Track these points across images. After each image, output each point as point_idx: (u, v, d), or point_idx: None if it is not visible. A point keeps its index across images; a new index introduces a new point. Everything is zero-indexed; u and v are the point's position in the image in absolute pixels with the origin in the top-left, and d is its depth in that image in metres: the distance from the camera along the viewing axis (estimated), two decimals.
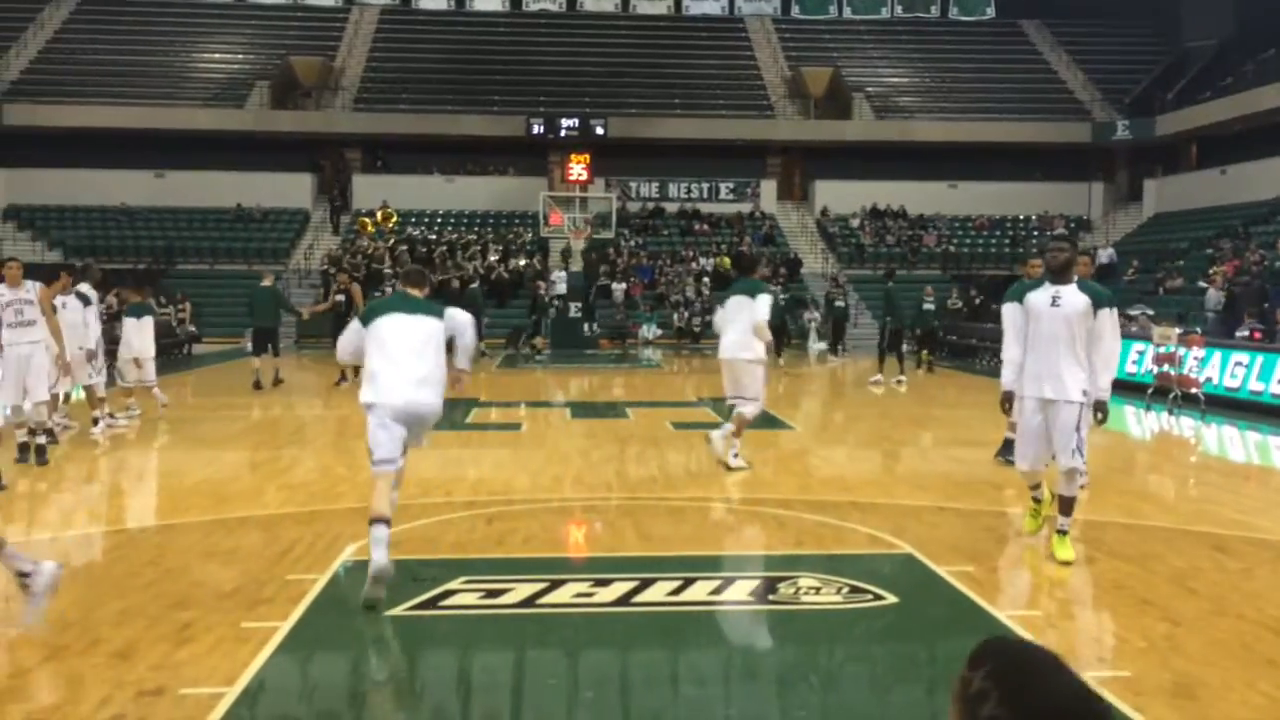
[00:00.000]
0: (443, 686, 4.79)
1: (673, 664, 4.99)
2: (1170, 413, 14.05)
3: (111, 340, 14.01)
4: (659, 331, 30.40)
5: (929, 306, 21.26)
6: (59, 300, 10.96)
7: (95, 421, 11.70)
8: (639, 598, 5.73)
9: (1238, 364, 15.30)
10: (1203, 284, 25.46)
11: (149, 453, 11.20)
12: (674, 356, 26.07)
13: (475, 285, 27.40)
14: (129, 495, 9.21)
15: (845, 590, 5.88)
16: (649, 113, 37.75)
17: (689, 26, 43.84)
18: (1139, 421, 14.04)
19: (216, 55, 40.22)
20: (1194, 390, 14.28)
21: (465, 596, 5.75)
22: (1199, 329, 18.60)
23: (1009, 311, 6.77)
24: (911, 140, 37.51)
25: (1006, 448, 9.43)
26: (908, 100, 40.06)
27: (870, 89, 39.52)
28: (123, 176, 34.98)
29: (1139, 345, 16.90)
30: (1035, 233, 35.41)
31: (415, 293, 6.27)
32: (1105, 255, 31.76)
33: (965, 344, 25.68)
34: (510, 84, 38.54)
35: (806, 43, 42.42)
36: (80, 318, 11.54)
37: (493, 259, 32.54)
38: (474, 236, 34.32)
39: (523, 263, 32.71)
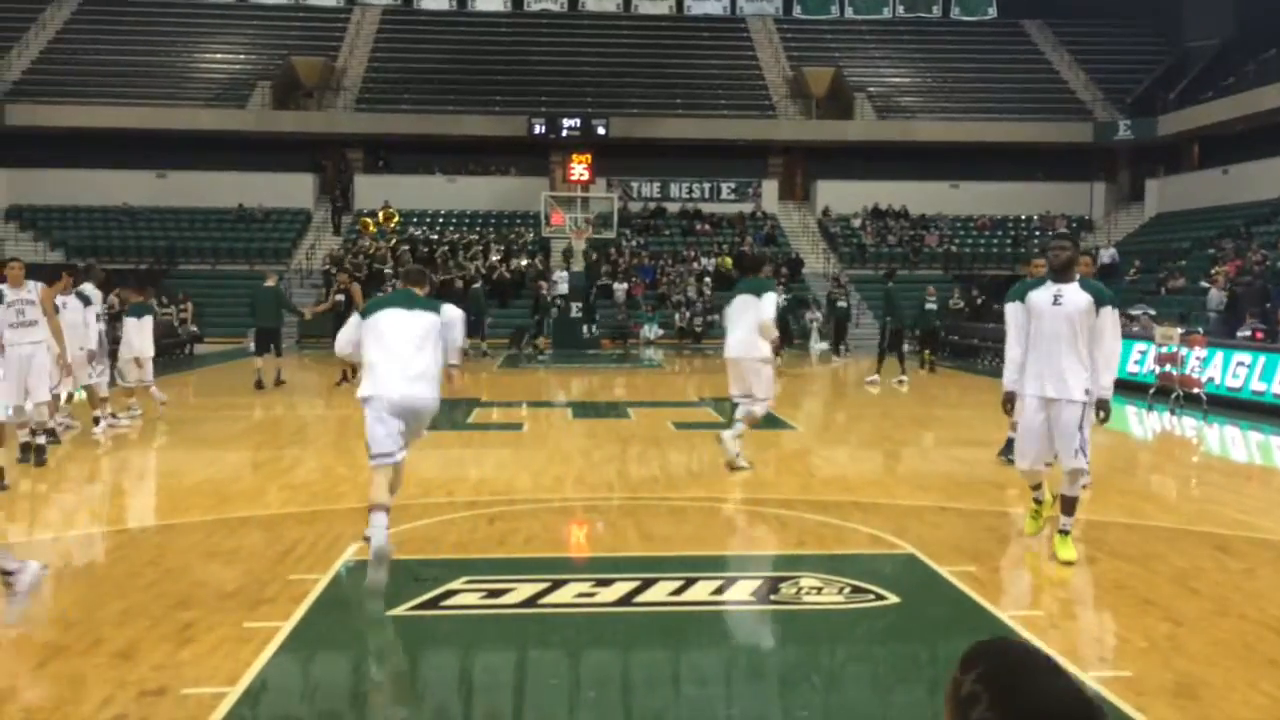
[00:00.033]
0: (444, 686, 4.79)
1: (674, 664, 4.98)
2: (1172, 413, 14.04)
3: (114, 340, 14.03)
4: (660, 331, 30.41)
5: (931, 306, 21.25)
6: (59, 300, 10.97)
7: (96, 421, 11.71)
8: (641, 598, 5.73)
9: (1240, 364, 15.28)
10: (1205, 284, 25.43)
11: (151, 453, 11.20)
12: (675, 356, 26.07)
13: (478, 285, 27.41)
14: (131, 495, 9.21)
15: (847, 590, 5.87)
16: (650, 113, 37.75)
17: (690, 26, 43.84)
18: (1141, 422, 14.03)
19: (218, 55, 40.24)
20: (1196, 390, 14.28)
21: (467, 596, 5.75)
22: (1201, 329, 18.57)
23: (1011, 311, 6.76)
24: (913, 140, 37.50)
25: (1009, 447, 9.43)
26: (909, 100, 40.05)
27: (872, 89, 39.51)
28: (125, 177, 35.01)
29: (1141, 345, 16.89)
30: (1037, 233, 35.39)
31: (415, 290, 6.44)
32: (1107, 255, 31.74)
33: (967, 344, 25.67)
34: (512, 84, 38.55)
35: (808, 43, 42.42)
36: (80, 318, 11.55)
37: (494, 259, 32.55)
38: (476, 236, 34.33)
39: (524, 263, 32.72)
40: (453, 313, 6.36)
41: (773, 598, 5.83)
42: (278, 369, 17.08)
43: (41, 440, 9.87)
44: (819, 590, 5.87)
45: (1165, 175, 37.03)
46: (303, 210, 36.34)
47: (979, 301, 29.07)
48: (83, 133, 34.48)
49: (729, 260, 33.35)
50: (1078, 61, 41.44)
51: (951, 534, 7.25)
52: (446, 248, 32.73)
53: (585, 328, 28.57)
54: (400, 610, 5.51)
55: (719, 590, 6.00)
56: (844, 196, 37.54)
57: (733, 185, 37.83)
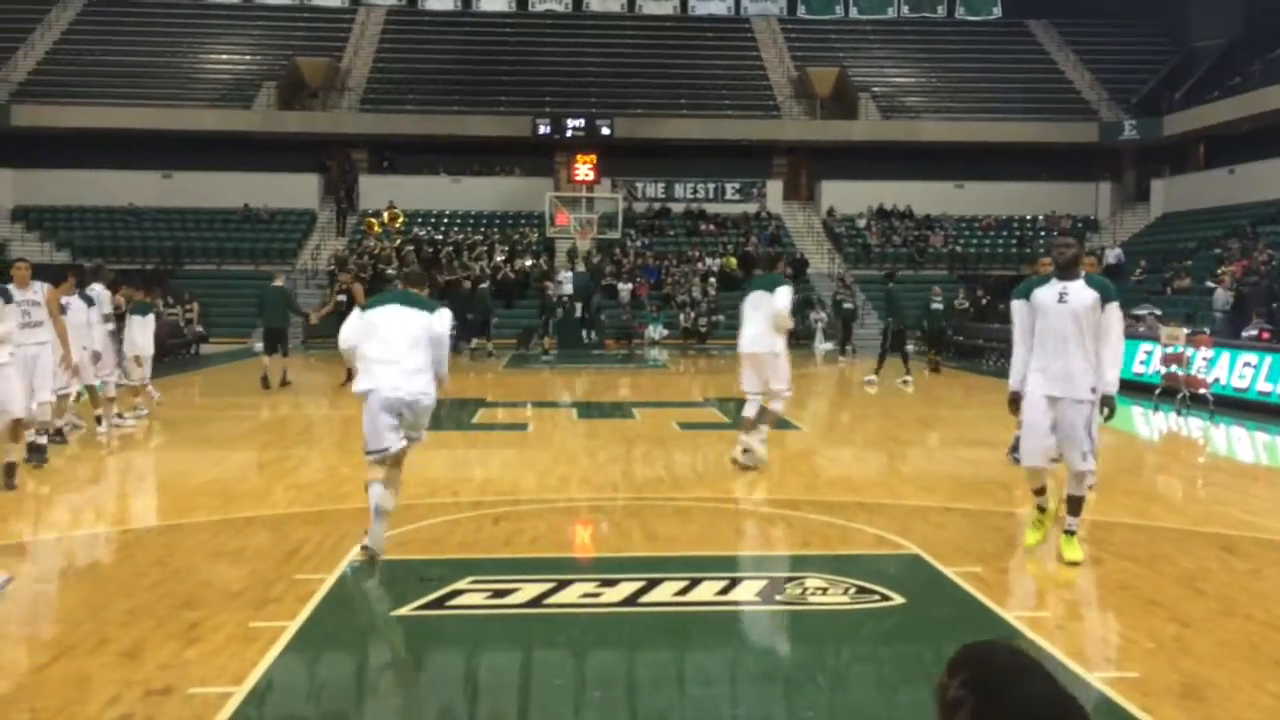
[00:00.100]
0: (450, 686, 4.79)
1: (679, 664, 4.98)
2: (1178, 413, 14.01)
3: (121, 340, 14.06)
4: (665, 332, 30.41)
5: (937, 306, 21.20)
6: (63, 300, 10.99)
7: (99, 421, 11.74)
8: (646, 598, 5.73)
9: (1246, 364, 15.25)
10: (1211, 284, 25.38)
11: (156, 453, 11.23)
12: (680, 357, 26.08)
13: (485, 286, 27.44)
14: (136, 495, 9.23)
15: (852, 591, 5.87)
16: (655, 113, 37.73)
17: (695, 26, 43.81)
18: (1147, 422, 14.00)
19: (223, 56, 40.28)
20: (1202, 391, 14.25)
21: (472, 596, 5.75)
22: (1207, 329, 18.53)
23: (1016, 309, 6.74)
24: (918, 140, 37.43)
25: (1018, 446, 9.42)
26: (914, 100, 39.99)
27: (876, 89, 39.45)
28: (130, 177, 35.04)
29: (1146, 346, 16.86)
30: (1042, 233, 35.30)
31: (415, 291, 6.65)
32: (1113, 255, 31.67)
33: (972, 344, 25.64)
34: (516, 84, 38.55)
35: (813, 43, 42.37)
36: (84, 318, 11.56)
37: (499, 259, 32.56)
38: (480, 237, 34.33)
39: (529, 263, 32.72)
40: (440, 329, 6.43)
41: (778, 598, 5.83)
42: (283, 369, 17.10)
43: (43, 440, 9.89)
44: (824, 591, 5.86)
45: (1171, 175, 36.94)
46: (308, 211, 36.37)
47: (984, 302, 29.03)
48: (88, 133, 34.52)
49: (733, 260, 33.32)
50: (1083, 61, 41.36)
51: (957, 534, 7.25)
52: (451, 248, 32.74)
53: (584, 332, 28.54)
54: (406, 610, 5.52)
55: (724, 591, 6.00)
56: (849, 197, 37.49)
57: (737, 185, 37.79)
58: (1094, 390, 6.37)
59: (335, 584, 5.95)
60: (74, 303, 11.45)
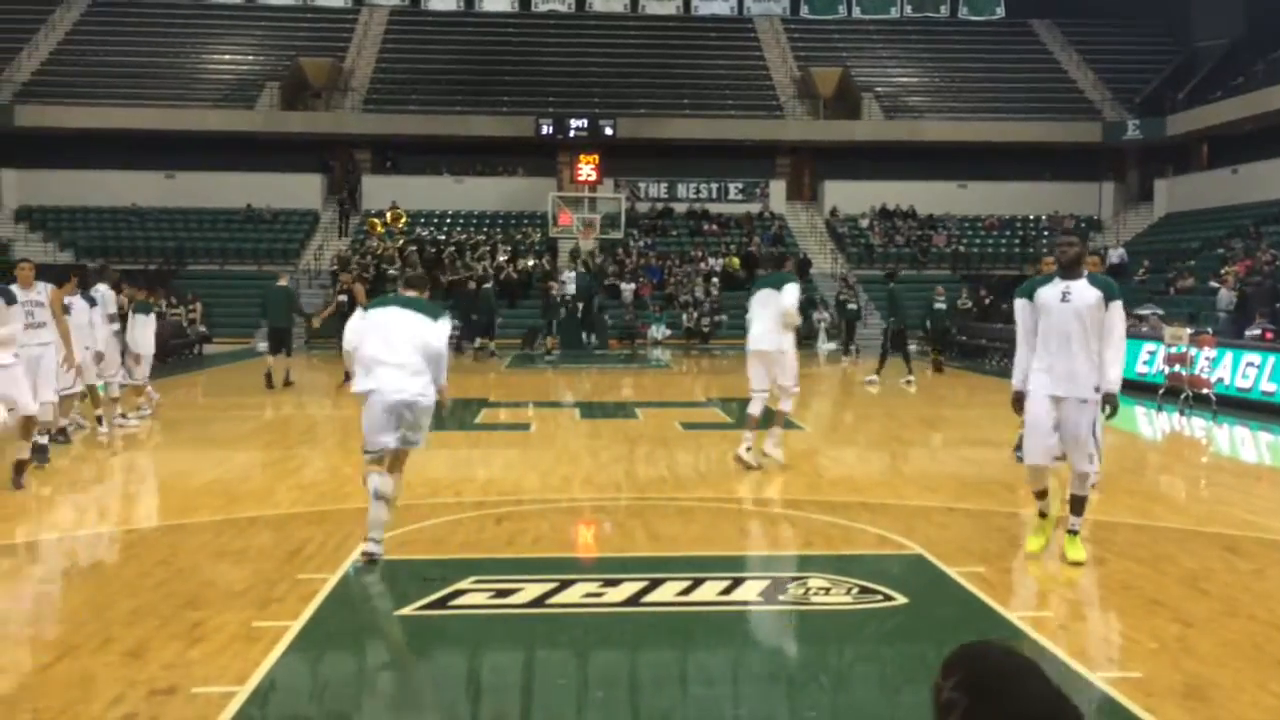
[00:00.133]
0: (453, 686, 4.80)
1: (682, 664, 4.98)
2: (1181, 413, 14.00)
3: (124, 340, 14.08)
4: (668, 332, 30.42)
5: (940, 306, 21.18)
6: (65, 300, 11.00)
7: (100, 421, 11.76)
8: (648, 598, 5.74)
9: (1249, 364, 15.23)
10: (1214, 284, 25.35)
11: (159, 452, 11.24)
12: (683, 357, 26.08)
13: (489, 286, 27.46)
14: (140, 495, 9.24)
15: (855, 591, 5.87)
16: (658, 113, 37.73)
17: (698, 27, 43.80)
18: (1150, 422, 13.99)
19: (226, 56, 40.33)
20: (1205, 391, 14.23)
21: (475, 596, 5.75)
22: (1210, 329, 18.52)
23: (1019, 308, 6.73)
24: (921, 140, 37.42)
25: (1022, 444, 9.43)
26: (917, 100, 39.97)
27: (879, 89, 39.43)
28: (133, 177, 35.09)
29: (1150, 345, 16.84)
30: (1045, 233, 35.29)
31: (415, 295, 6.71)
32: (1116, 255, 31.65)
33: (975, 344, 25.62)
34: (519, 84, 38.56)
35: (815, 43, 42.36)
36: (87, 319, 11.58)
37: (501, 259, 32.57)
38: (483, 237, 34.34)
39: (531, 263, 32.74)
40: (438, 345, 6.45)
41: (781, 598, 5.83)
42: (287, 369, 17.12)
43: (44, 440, 9.90)
44: (827, 591, 5.86)
45: (1174, 175, 36.91)
46: (311, 211, 36.40)
47: (987, 302, 29.00)
48: (92, 134, 34.57)
49: (736, 261, 33.31)
50: (1086, 61, 41.34)
51: (960, 534, 7.24)
52: (454, 248, 32.77)
53: (583, 335, 28.48)
54: (408, 610, 5.52)
55: (727, 590, 6.00)
56: (852, 197, 37.48)
57: (740, 185, 37.79)
58: (1097, 390, 6.36)
59: (338, 584, 5.96)
60: (76, 303, 11.47)
